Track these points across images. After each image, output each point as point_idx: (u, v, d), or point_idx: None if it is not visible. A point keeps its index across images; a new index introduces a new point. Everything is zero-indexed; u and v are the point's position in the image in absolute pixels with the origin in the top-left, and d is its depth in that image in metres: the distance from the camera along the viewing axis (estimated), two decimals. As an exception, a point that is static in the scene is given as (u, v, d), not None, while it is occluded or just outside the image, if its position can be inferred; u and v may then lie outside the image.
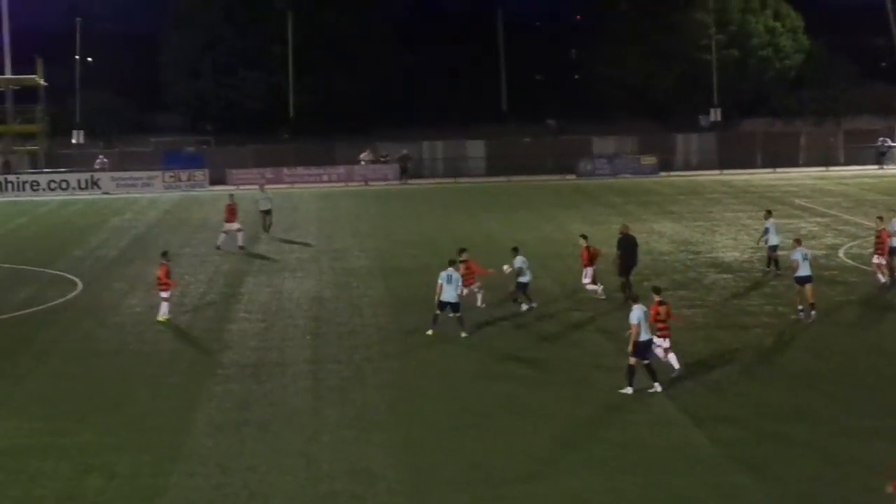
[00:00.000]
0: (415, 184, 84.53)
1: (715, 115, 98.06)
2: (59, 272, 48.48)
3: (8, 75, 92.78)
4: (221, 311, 40.17)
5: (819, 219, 59.45)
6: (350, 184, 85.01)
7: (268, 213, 58.97)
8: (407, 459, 24.50)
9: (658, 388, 28.72)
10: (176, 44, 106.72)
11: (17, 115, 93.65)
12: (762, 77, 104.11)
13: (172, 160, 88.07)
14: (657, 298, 29.85)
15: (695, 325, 35.88)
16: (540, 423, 26.62)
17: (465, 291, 36.90)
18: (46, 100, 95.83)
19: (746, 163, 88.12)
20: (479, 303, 38.55)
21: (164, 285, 38.12)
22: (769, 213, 45.77)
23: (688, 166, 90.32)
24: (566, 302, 39.90)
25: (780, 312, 37.77)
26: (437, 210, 67.85)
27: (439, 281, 34.75)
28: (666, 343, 29.81)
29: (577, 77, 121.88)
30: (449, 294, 34.90)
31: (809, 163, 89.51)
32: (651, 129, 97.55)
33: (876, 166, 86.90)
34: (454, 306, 35.06)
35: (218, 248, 53.04)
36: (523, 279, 38.10)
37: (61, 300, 42.56)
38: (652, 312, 29.31)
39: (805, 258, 36.44)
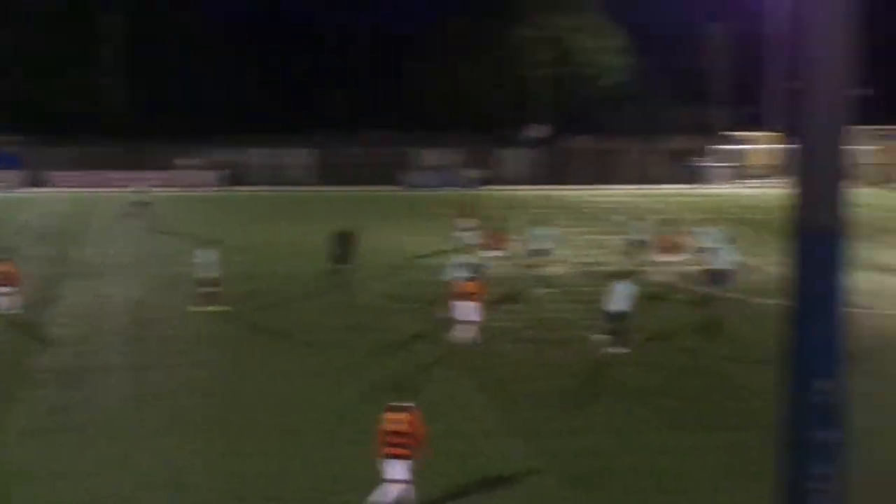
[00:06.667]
0: (239, 190, 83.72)
1: (540, 130, 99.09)
2: None
3: None
4: (39, 314, 39.22)
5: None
6: (172, 189, 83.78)
7: None
8: (225, 467, 24.15)
9: None
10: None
11: None
12: (587, 94, 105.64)
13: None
14: None
15: (521, 339, 36.10)
16: (358, 433, 26.42)
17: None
18: None
19: (570, 178, 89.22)
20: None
21: None
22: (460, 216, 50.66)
23: (513, 180, 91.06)
24: (399, 311, 39.88)
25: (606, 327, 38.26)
26: (261, 218, 67.25)
27: None
28: None
29: (406, 88, 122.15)
30: None
31: (630, 180, 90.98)
32: (477, 143, 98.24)
33: (691, 185, 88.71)
34: None
35: None
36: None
37: None
38: None
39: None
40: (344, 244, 47.05)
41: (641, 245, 51.26)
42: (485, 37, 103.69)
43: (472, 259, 39.76)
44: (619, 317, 34.71)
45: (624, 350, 34.34)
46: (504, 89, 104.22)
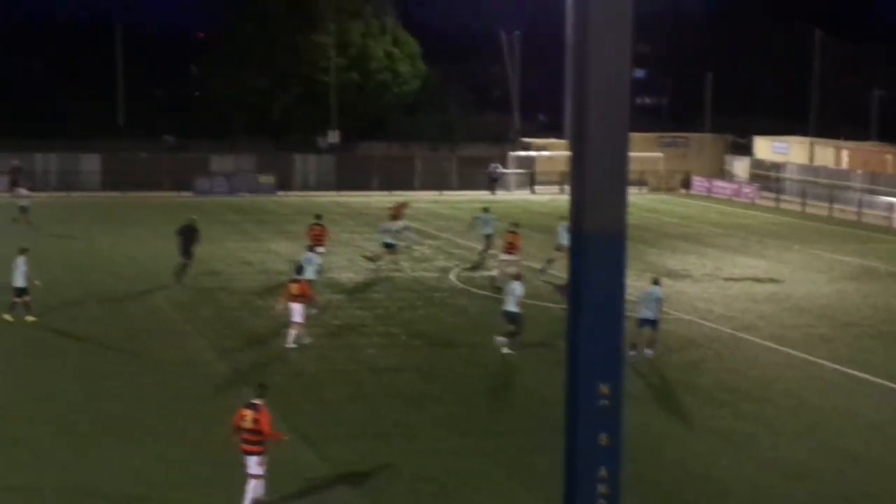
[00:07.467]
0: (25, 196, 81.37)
1: (334, 136, 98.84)
2: None
3: None
4: None
5: (432, 241, 60.62)
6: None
7: None
8: (10, 482, 23.46)
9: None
10: None
11: None
12: (381, 101, 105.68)
13: None
14: None
15: (309, 346, 35.85)
16: (144, 442, 25.97)
17: None
18: None
19: (363, 185, 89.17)
20: None
21: None
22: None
23: (306, 186, 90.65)
24: (178, 317, 39.31)
25: (392, 333, 38.21)
26: (49, 224, 65.45)
27: None
28: None
29: (197, 94, 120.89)
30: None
31: (424, 187, 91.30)
32: (270, 149, 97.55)
33: (488, 192, 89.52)
34: None
35: None
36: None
37: None
38: None
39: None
40: (189, 238, 47.21)
41: (490, 240, 53.21)
42: (277, 42, 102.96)
43: (306, 259, 39.63)
44: (513, 317, 35.41)
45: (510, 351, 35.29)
46: (297, 95, 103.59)
